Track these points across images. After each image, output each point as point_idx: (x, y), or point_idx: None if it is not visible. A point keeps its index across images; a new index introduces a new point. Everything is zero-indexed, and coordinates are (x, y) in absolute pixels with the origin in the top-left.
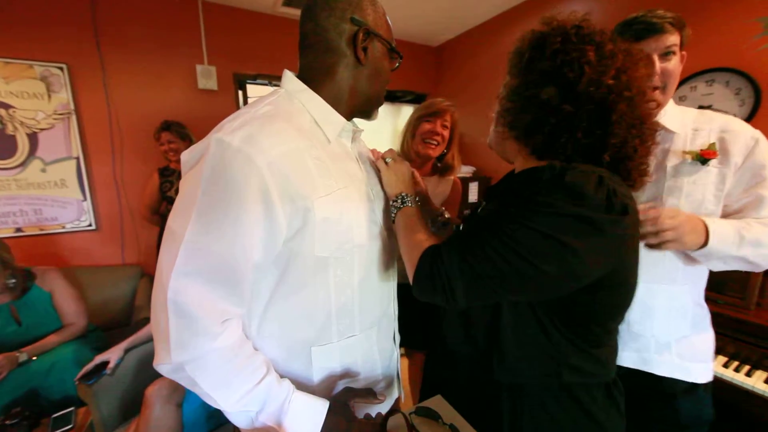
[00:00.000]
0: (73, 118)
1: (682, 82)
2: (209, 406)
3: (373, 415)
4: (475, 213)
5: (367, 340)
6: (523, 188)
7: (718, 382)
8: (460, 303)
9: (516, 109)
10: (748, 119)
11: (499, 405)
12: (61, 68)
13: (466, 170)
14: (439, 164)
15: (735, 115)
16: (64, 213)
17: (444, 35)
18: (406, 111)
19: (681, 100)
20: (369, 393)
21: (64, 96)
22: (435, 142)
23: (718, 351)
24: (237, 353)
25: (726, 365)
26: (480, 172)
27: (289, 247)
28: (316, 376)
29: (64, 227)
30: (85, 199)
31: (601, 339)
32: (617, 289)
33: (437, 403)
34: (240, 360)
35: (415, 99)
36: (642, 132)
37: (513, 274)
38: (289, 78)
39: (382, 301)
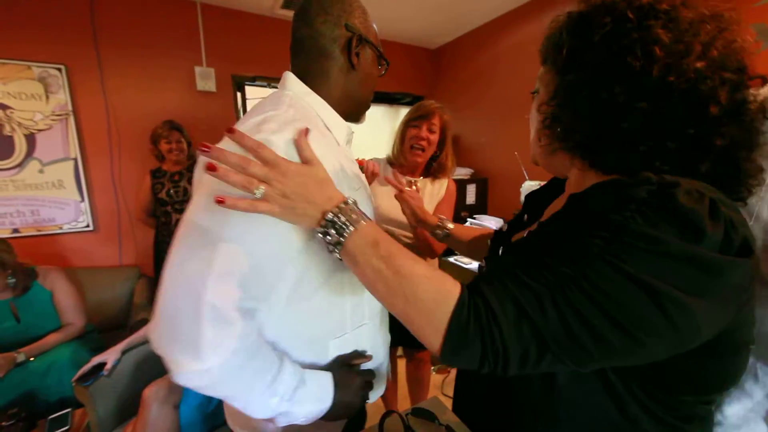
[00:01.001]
0: (71, 119)
1: None
2: (206, 408)
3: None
4: (509, 238)
5: (374, 326)
6: (600, 208)
7: None
8: (509, 374)
9: (566, 115)
10: None
11: None
12: (59, 69)
13: (463, 172)
14: (434, 164)
15: None
16: (61, 214)
17: (442, 38)
18: (404, 113)
19: None
20: (359, 355)
21: (62, 97)
22: (421, 148)
23: None
24: (258, 350)
25: None
26: (477, 174)
27: (314, 249)
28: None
29: (61, 228)
30: (82, 200)
31: (695, 411)
32: (732, 354)
33: (434, 403)
34: (260, 356)
35: (412, 101)
36: (753, 123)
37: (590, 340)
38: (293, 80)
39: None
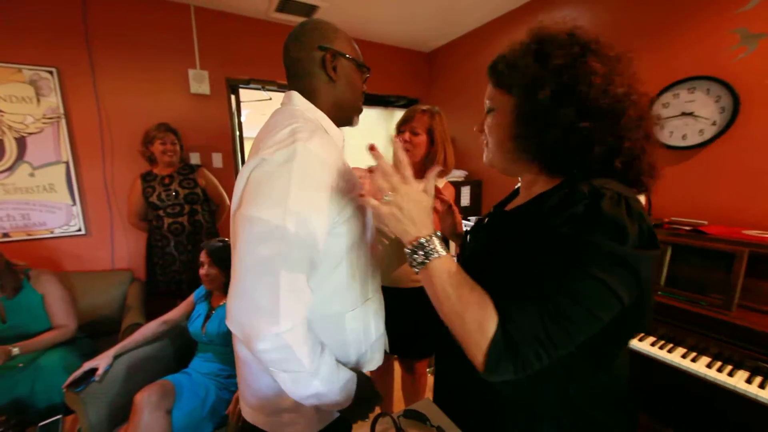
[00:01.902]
0: (63, 122)
1: (664, 90)
2: (199, 413)
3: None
4: (482, 226)
5: (377, 300)
6: (554, 221)
7: (702, 382)
8: (534, 371)
9: (531, 131)
10: (728, 126)
11: (504, 421)
12: (50, 72)
13: (458, 174)
14: (426, 163)
15: (715, 122)
16: (52, 218)
17: (436, 41)
18: (399, 115)
19: (664, 106)
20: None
21: (53, 100)
22: (406, 150)
23: (702, 352)
24: (310, 329)
25: (710, 366)
26: (471, 176)
27: (336, 233)
28: (349, 336)
29: (52, 232)
30: (74, 203)
31: (615, 355)
32: (641, 312)
33: (426, 405)
34: (312, 334)
35: (407, 104)
36: (647, 128)
37: (577, 331)
38: (298, 98)
39: (377, 267)
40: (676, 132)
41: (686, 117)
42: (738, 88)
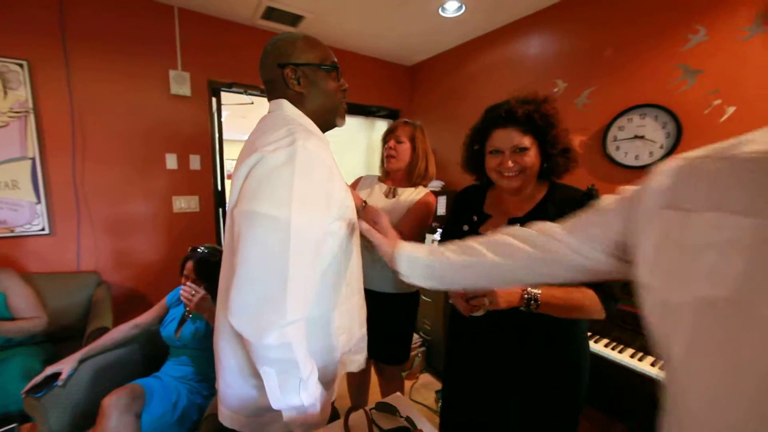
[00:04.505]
0: (31, 116)
1: (620, 114)
2: (170, 417)
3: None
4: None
5: (361, 300)
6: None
7: (647, 379)
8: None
9: (558, 155)
10: (673, 149)
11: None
12: (20, 65)
13: (435, 184)
14: (411, 172)
15: (662, 146)
16: (14, 216)
17: (418, 56)
18: (380, 125)
19: (620, 129)
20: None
21: (22, 93)
22: (391, 155)
23: (648, 352)
24: (305, 343)
25: (653, 364)
26: (447, 187)
27: (329, 231)
28: (334, 334)
29: (13, 231)
30: (38, 201)
31: None
32: None
33: (396, 399)
34: (306, 350)
35: (389, 114)
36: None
37: None
38: (288, 105)
39: (361, 268)
40: (630, 153)
41: (638, 140)
42: (681, 117)
